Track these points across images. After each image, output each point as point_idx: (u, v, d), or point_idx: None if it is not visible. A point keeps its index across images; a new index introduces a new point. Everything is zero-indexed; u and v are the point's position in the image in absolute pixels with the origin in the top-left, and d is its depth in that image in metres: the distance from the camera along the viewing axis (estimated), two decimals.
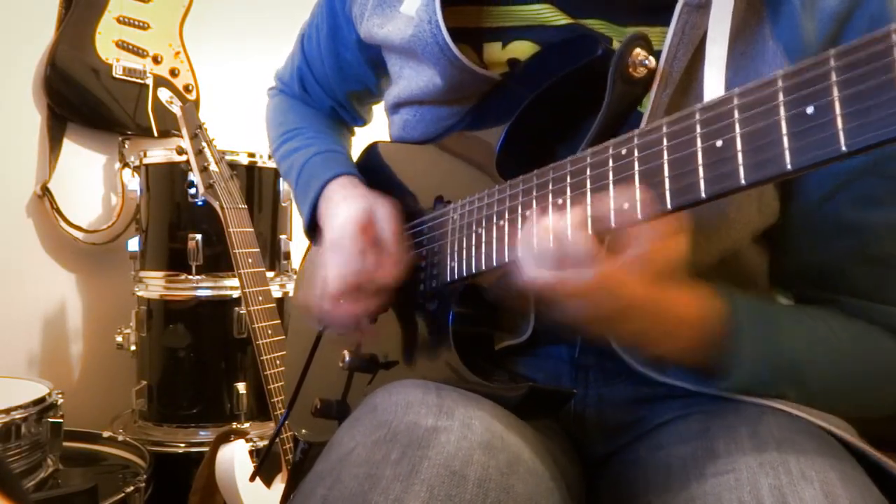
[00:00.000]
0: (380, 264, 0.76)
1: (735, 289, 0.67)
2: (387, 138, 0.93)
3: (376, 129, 1.06)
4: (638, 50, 0.61)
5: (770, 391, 0.67)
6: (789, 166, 0.43)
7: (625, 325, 0.62)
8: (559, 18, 0.74)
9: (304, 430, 0.89)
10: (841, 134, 0.41)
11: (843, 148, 0.41)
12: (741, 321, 0.64)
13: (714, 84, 0.63)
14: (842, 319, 0.72)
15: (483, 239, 0.67)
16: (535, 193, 0.61)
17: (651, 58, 0.62)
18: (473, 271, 0.68)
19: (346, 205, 0.81)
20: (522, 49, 0.76)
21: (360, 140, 1.04)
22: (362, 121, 1.11)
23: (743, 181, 0.46)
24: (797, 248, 0.75)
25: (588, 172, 0.56)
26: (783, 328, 0.67)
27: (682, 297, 0.62)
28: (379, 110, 1.09)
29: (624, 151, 0.54)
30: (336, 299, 0.77)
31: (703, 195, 0.48)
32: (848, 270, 0.72)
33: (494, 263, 0.65)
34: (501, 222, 0.65)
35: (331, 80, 1.02)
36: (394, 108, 0.87)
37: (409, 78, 0.81)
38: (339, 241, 0.78)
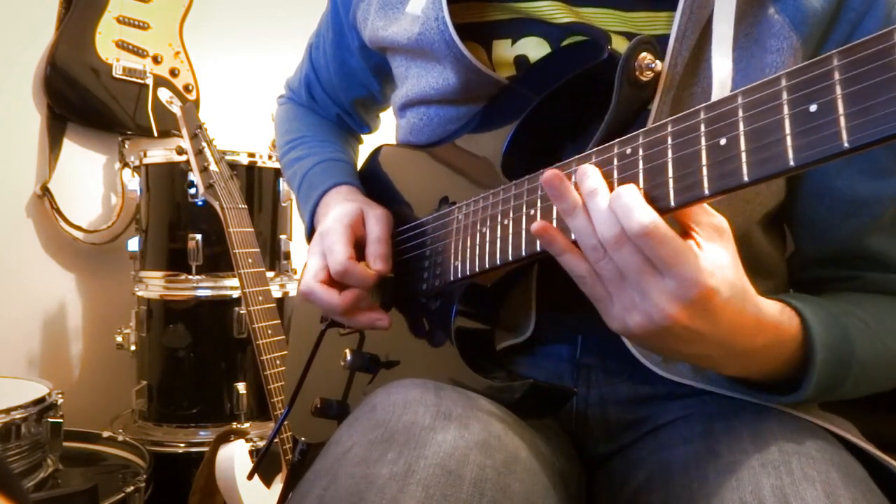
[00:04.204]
0: (362, 259, 0.77)
1: (805, 297, 0.64)
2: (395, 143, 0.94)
3: (386, 134, 1.06)
4: (644, 54, 0.62)
5: (831, 396, 0.64)
6: (792, 163, 0.44)
7: (689, 347, 0.56)
8: (563, 16, 0.74)
9: (302, 431, 0.89)
10: (843, 131, 0.41)
11: (846, 144, 0.41)
12: (815, 343, 0.59)
13: (721, 62, 0.64)
14: (871, 299, 0.71)
15: (487, 238, 0.67)
16: (539, 192, 0.61)
17: (658, 62, 0.62)
18: (477, 270, 0.68)
19: (340, 206, 0.82)
20: (531, 46, 0.76)
21: (369, 145, 1.04)
22: (368, 128, 1.13)
23: (746, 178, 0.46)
24: (814, 231, 0.75)
25: None
26: (849, 332, 0.62)
27: (753, 322, 0.55)
28: (386, 116, 1.11)
29: (628, 151, 0.54)
30: (318, 284, 0.77)
31: (707, 192, 0.49)
32: (867, 244, 0.72)
33: (498, 262, 0.65)
34: (506, 221, 0.65)
35: (336, 87, 1.04)
36: (401, 110, 0.88)
37: (417, 77, 0.82)
38: (325, 232, 0.79)
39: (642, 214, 0.50)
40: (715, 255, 0.52)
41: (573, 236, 0.56)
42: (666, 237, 0.50)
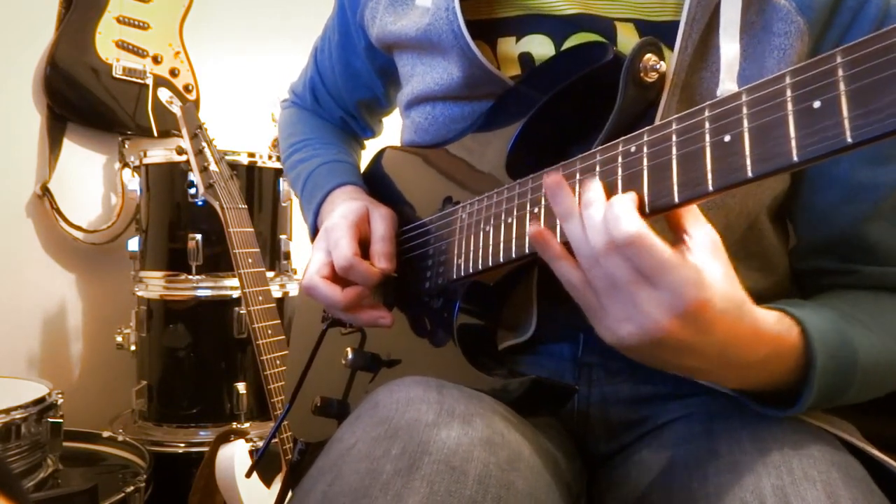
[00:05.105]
0: (366, 257, 0.77)
1: (804, 304, 0.63)
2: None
3: (389, 137, 1.07)
4: (649, 55, 0.62)
5: (837, 403, 0.63)
6: (796, 158, 0.44)
7: (684, 360, 0.55)
8: (568, 6, 0.74)
9: (302, 431, 0.90)
10: (847, 127, 0.42)
11: (849, 139, 0.42)
12: (816, 351, 0.58)
13: (729, 45, 0.65)
14: (870, 297, 0.71)
15: (491, 237, 0.67)
16: (543, 191, 0.61)
17: (662, 62, 0.63)
18: (480, 268, 0.68)
19: (346, 204, 0.83)
20: (536, 43, 0.76)
21: (373, 148, 1.05)
22: (371, 132, 1.14)
23: (750, 174, 0.47)
24: (814, 217, 0.75)
25: (598, 169, 0.57)
26: (850, 337, 0.61)
27: (750, 334, 0.55)
28: (389, 122, 1.12)
29: (633, 149, 0.54)
30: (321, 279, 0.77)
31: (711, 188, 0.49)
32: (865, 232, 0.72)
33: (501, 260, 0.65)
34: (510, 220, 0.65)
35: (341, 89, 1.05)
36: (407, 109, 0.88)
37: (422, 74, 0.82)
38: (330, 228, 0.79)
39: (629, 224, 0.50)
40: (708, 266, 0.51)
41: (568, 241, 0.56)
42: (652, 247, 0.50)
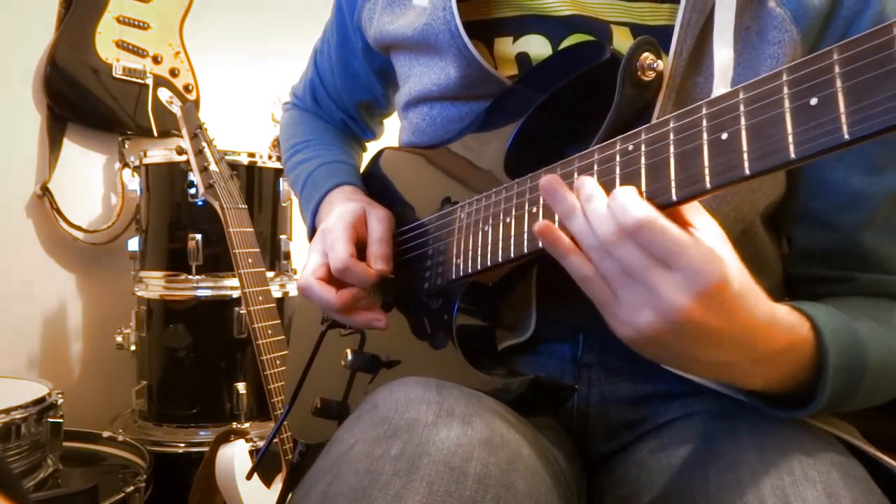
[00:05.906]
0: (363, 258, 0.77)
1: (814, 304, 0.61)
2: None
3: (390, 138, 1.07)
4: (646, 54, 0.62)
5: (845, 406, 0.62)
6: (793, 155, 0.44)
7: (708, 353, 0.53)
8: (565, 8, 0.74)
9: (302, 432, 0.89)
10: (844, 123, 0.42)
11: (846, 136, 0.42)
12: (827, 347, 0.57)
13: (722, 51, 0.65)
14: (870, 303, 0.70)
15: (490, 236, 0.67)
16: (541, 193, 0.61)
17: (659, 62, 0.63)
18: (479, 268, 0.68)
19: (343, 205, 0.83)
20: (532, 43, 0.76)
21: (374, 149, 1.05)
22: (372, 133, 1.14)
23: (747, 171, 0.46)
24: (811, 223, 0.75)
25: (595, 168, 0.57)
26: (859, 335, 0.61)
27: (768, 321, 0.53)
28: (390, 123, 1.12)
29: (631, 147, 0.54)
30: (316, 280, 0.76)
31: (709, 186, 0.49)
32: (860, 240, 0.72)
33: (500, 260, 0.65)
34: (508, 219, 0.65)
35: (341, 90, 1.05)
36: (405, 110, 0.88)
37: (420, 74, 0.82)
38: (327, 230, 0.79)
39: (637, 209, 0.49)
40: (720, 248, 0.50)
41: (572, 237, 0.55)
42: (664, 228, 0.49)
